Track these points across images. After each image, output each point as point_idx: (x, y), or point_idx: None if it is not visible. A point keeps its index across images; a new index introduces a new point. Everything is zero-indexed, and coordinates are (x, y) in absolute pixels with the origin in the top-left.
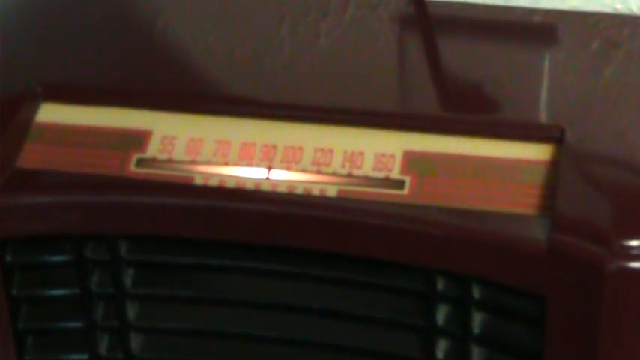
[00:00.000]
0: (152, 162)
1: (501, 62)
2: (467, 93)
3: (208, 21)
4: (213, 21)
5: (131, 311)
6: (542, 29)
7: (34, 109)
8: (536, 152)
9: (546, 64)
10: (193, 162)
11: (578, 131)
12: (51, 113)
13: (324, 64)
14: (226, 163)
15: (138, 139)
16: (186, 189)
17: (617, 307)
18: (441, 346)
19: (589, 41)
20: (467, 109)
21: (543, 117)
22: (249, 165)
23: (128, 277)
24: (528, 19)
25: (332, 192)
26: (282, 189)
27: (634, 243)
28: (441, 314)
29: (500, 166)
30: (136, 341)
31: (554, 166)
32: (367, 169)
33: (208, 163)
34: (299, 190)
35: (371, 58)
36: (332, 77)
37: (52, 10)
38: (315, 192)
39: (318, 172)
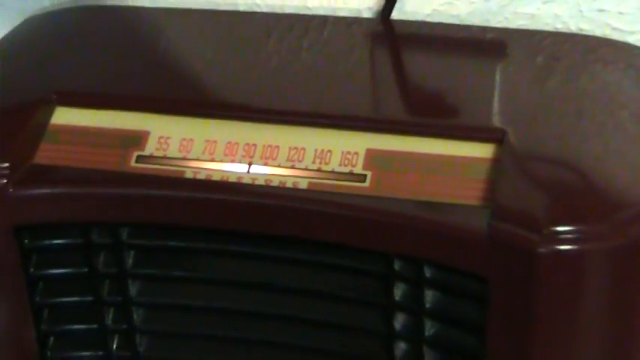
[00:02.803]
0: (149, 158)
1: (457, 73)
2: (424, 100)
3: (204, 37)
4: (209, 37)
5: (132, 288)
6: (494, 45)
7: (49, 113)
8: (480, 151)
9: (496, 75)
10: (185, 158)
11: (518, 133)
12: (64, 116)
13: (303, 75)
14: (213, 160)
15: (137, 138)
16: (178, 182)
17: (549, 286)
18: (399, 320)
19: (534, 56)
20: (423, 114)
21: (489, 121)
22: (233, 161)
23: (129, 259)
24: (482, 36)
25: (303, 184)
26: (260, 182)
27: (563, 229)
28: (398, 292)
29: (449, 163)
30: (137, 315)
31: (495, 163)
32: (334, 164)
33: (197, 159)
34: (275, 183)
35: (343, 69)
36: (307, 85)
37: (66, 28)
38: (289, 184)
39: (292, 167)
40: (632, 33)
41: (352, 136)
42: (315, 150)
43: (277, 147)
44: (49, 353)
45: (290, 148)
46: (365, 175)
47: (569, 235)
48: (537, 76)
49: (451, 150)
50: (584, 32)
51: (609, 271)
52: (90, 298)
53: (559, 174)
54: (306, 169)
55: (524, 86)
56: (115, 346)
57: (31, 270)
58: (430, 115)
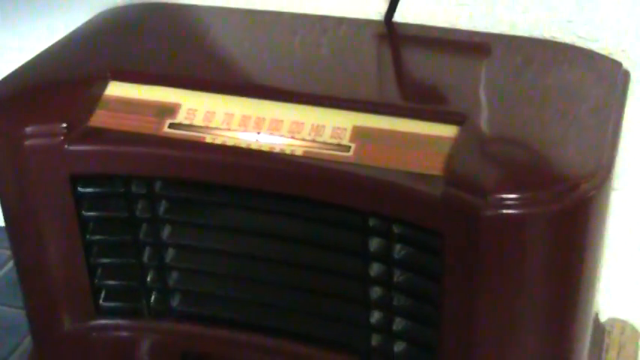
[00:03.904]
0: (179, 126)
1: (442, 68)
2: (408, 88)
3: (240, 31)
4: (244, 31)
5: (164, 232)
6: (480, 46)
7: (104, 86)
8: (444, 131)
9: (477, 71)
10: (207, 127)
11: (482, 118)
12: (115, 89)
13: (311, 64)
14: (229, 129)
15: (171, 109)
16: (200, 145)
17: (493, 245)
18: (373, 268)
19: (512, 56)
20: (404, 99)
21: (457, 107)
22: (245, 131)
23: (161, 207)
24: (470, 38)
25: (299, 152)
26: (265, 148)
27: (505, 196)
28: (372, 244)
29: (418, 140)
30: (167, 254)
31: (454, 141)
32: (326, 137)
33: (217, 128)
34: (277, 150)
35: (346, 61)
36: (313, 73)
37: (129, 20)
38: (288, 151)
39: (292, 138)
40: (595, 41)
41: (342, 115)
42: (312, 125)
43: (281, 121)
44: (96, 281)
45: (291, 122)
46: (350, 147)
47: (511, 201)
48: (513, 73)
49: (421, 129)
50: (555, 39)
51: (546, 233)
52: (129, 238)
53: (509, 151)
54: (302, 139)
55: (500, 81)
56: (149, 279)
57: (83, 212)
58: (409, 100)
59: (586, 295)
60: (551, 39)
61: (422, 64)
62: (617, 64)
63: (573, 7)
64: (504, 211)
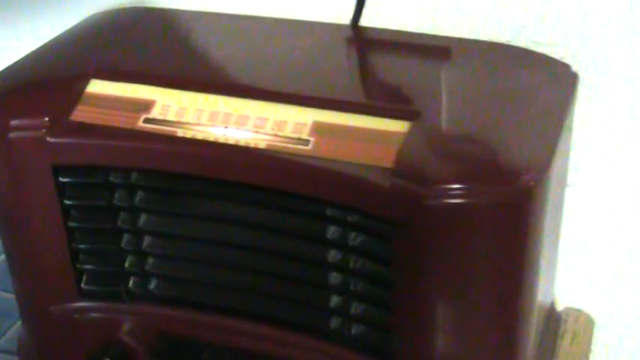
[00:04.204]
0: (153, 121)
1: (402, 69)
2: (366, 86)
3: (220, 34)
4: (223, 34)
5: (141, 219)
6: (440, 49)
7: (86, 84)
8: (396, 126)
9: (438, 73)
10: (179, 122)
11: (431, 115)
12: (96, 86)
13: (282, 65)
14: (199, 124)
15: (146, 105)
16: (172, 139)
17: (437, 232)
18: (331, 254)
19: (471, 59)
20: (360, 96)
21: (411, 105)
22: (213, 126)
23: (137, 196)
24: (432, 41)
25: (262, 145)
26: (232, 142)
27: (448, 186)
28: (330, 232)
29: (372, 134)
30: (144, 241)
31: (405, 136)
32: (287, 131)
33: (188, 123)
34: (242, 143)
35: (315, 63)
36: (281, 73)
37: (115, 23)
38: (252, 144)
39: (256, 132)
40: (547, 45)
41: (303, 111)
42: (275, 120)
43: (247, 117)
44: (78, 266)
45: (256, 118)
46: (309, 141)
47: (454, 191)
48: (470, 74)
49: (375, 125)
50: (511, 43)
51: (488, 222)
52: (108, 225)
53: (456, 146)
54: (266, 134)
55: (457, 82)
56: (127, 265)
57: (65, 201)
58: (367, 98)
59: (530, 282)
60: (507, 43)
61: (383, 66)
62: (566, 67)
63: (527, 13)
64: (447, 201)
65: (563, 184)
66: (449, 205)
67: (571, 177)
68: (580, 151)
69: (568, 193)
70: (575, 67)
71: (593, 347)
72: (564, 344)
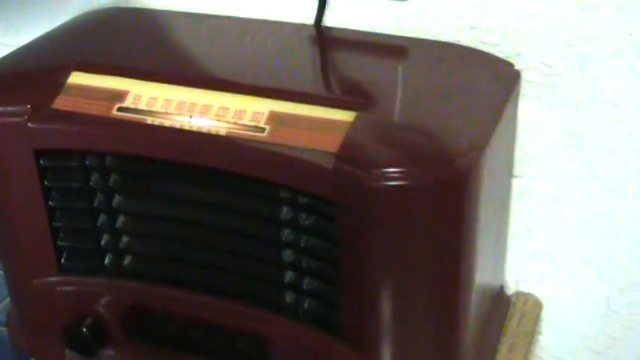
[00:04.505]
0: (126, 109)
1: (361, 66)
2: (321, 80)
3: (192, 33)
4: (196, 33)
5: (115, 200)
6: (397, 48)
7: (67, 75)
8: (343, 115)
9: (393, 69)
10: (149, 111)
11: (378, 106)
12: (76, 78)
13: (246, 60)
14: (167, 112)
15: (120, 95)
16: (143, 126)
17: (376, 213)
18: (284, 234)
19: (424, 57)
20: (314, 89)
21: (360, 96)
22: (180, 114)
23: (112, 178)
24: (390, 41)
25: (223, 132)
26: (195, 129)
27: (386, 169)
28: (283, 213)
29: (322, 123)
30: (118, 220)
31: (351, 124)
32: (246, 120)
33: (157, 111)
34: (204, 130)
35: (277, 58)
36: (244, 67)
37: (99, 22)
38: (213, 131)
39: (218, 120)
40: (494, 45)
41: (261, 101)
42: (235, 110)
43: (210, 106)
44: (58, 243)
45: (218, 108)
46: (265, 128)
47: (392, 174)
48: (422, 70)
49: (325, 114)
50: (461, 43)
51: (424, 204)
52: (85, 205)
53: (398, 133)
54: (227, 122)
55: (409, 77)
56: (103, 242)
57: (46, 182)
58: (320, 90)
59: (468, 261)
60: (457, 42)
61: (342, 62)
62: (510, 65)
63: (476, 15)
64: (385, 183)
65: (508, 175)
66: (387, 187)
67: (518, 169)
68: (526, 145)
69: (516, 183)
70: (519, 66)
71: (542, 329)
72: (512, 324)
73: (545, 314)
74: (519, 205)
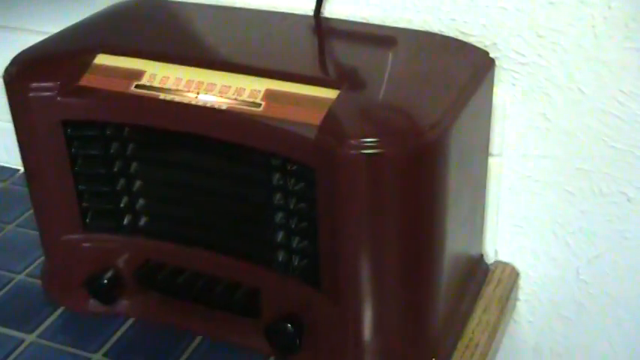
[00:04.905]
0: (142, 87)
1: (352, 52)
2: (313, 63)
3: (207, 22)
4: (210, 22)
5: (132, 167)
6: (386, 37)
7: (93, 56)
8: (328, 93)
9: (381, 55)
10: (162, 88)
11: (360, 87)
12: (102, 60)
13: (249, 45)
14: (177, 90)
15: (138, 74)
16: (157, 101)
17: (350, 178)
18: (276, 197)
19: (410, 45)
20: (305, 70)
21: (343, 78)
22: (188, 91)
23: (130, 146)
24: (379, 31)
25: (224, 107)
26: (201, 104)
27: (360, 140)
28: (275, 178)
29: (309, 99)
30: (135, 184)
31: (333, 101)
32: (245, 97)
33: (169, 89)
34: (209, 105)
35: (277, 44)
36: (247, 51)
37: (126, 12)
38: (217, 106)
39: (221, 97)
40: (472, 36)
41: (259, 81)
42: (236, 87)
43: (215, 84)
44: (83, 204)
45: (221, 86)
46: (261, 104)
47: (365, 144)
48: (407, 57)
49: (313, 92)
50: (442, 33)
51: (395, 171)
52: (106, 171)
53: (375, 110)
54: (228, 98)
55: (394, 62)
56: (122, 204)
57: (72, 150)
58: (310, 71)
59: (438, 226)
60: (439, 33)
61: (334, 48)
62: (485, 53)
63: (456, 8)
64: (360, 152)
65: (484, 153)
66: (361, 155)
67: (495, 148)
68: (502, 126)
69: (493, 161)
70: (495, 55)
71: (519, 296)
72: (489, 289)
73: (522, 282)
74: (497, 182)
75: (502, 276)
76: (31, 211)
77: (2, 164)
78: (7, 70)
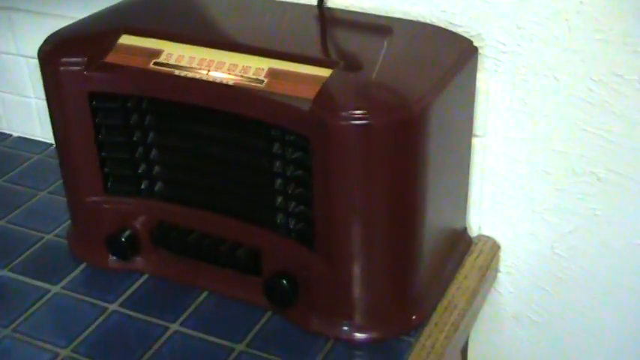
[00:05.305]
0: (160, 64)
1: (348, 38)
2: (314, 46)
3: (222, 9)
4: (225, 9)
5: (150, 136)
6: (382, 26)
7: (117, 37)
8: (322, 72)
9: (378, 42)
10: (177, 65)
11: (349, 66)
12: (125, 40)
13: (258, 30)
14: (191, 67)
15: (156, 53)
16: (173, 77)
17: (341, 147)
18: (275, 164)
19: (404, 33)
20: (304, 52)
21: (339, 59)
22: (201, 69)
23: (148, 117)
24: (377, 20)
25: (231, 83)
26: (211, 80)
27: (350, 112)
28: (275, 147)
29: (307, 77)
30: (152, 153)
31: (326, 78)
32: (250, 74)
33: (184, 66)
34: (218, 80)
35: (283, 30)
36: (255, 35)
37: (142, 1)
38: (225, 82)
39: (229, 74)
40: (459, 26)
41: (263, 60)
42: (242, 66)
43: (224, 63)
44: (105, 170)
45: (230, 64)
46: (263, 81)
47: (354, 115)
48: (400, 43)
49: (310, 70)
50: (433, 23)
51: (382, 141)
52: (126, 139)
53: (365, 86)
54: (235, 75)
55: (388, 48)
56: (140, 170)
57: (97, 120)
58: (308, 52)
59: (420, 193)
60: (431, 23)
61: (334, 35)
62: (470, 42)
63: (447, 2)
64: (349, 122)
65: (468, 133)
66: (350, 125)
67: (479, 129)
68: (485, 109)
69: (477, 142)
70: (479, 44)
71: (500, 268)
72: (471, 259)
73: (503, 255)
74: (481, 161)
75: (484, 248)
76: (62, 181)
77: (38, 138)
78: (41, 48)
